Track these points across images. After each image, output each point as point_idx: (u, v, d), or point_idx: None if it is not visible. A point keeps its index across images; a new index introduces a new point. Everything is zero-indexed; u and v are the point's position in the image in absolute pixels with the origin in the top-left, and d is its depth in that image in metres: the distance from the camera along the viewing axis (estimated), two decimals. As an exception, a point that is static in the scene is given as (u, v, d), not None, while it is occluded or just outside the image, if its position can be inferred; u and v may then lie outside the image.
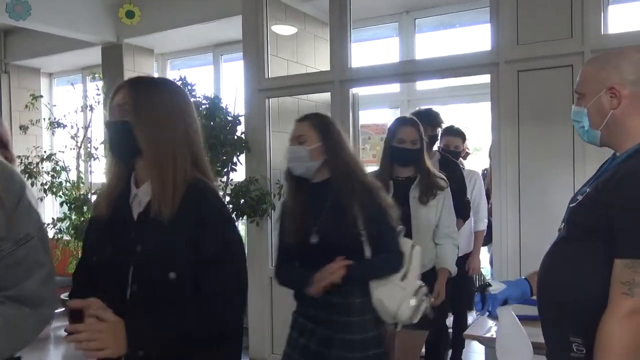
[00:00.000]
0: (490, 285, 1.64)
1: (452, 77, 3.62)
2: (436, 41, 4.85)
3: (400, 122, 2.73)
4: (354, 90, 3.73)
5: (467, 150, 4.30)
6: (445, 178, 2.70)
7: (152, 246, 1.35)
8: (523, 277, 1.69)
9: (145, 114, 1.37)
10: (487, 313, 1.65)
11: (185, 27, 4.96)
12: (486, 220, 3.70)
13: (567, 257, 1.41)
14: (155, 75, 5.77)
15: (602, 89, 1.38)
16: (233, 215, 3.99)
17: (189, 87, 4.14)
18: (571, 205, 1.44)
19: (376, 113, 5.23)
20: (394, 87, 4.86)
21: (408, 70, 3.56)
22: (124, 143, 1.39)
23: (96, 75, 4.78)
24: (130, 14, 4.24)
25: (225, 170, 3.96)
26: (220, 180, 4.00)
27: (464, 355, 3.76)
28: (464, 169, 3.75)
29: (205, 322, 1.31)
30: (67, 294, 4.84)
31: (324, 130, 2.08)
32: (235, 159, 3.92)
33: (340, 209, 1.99)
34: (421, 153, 2.63)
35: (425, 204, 2.56)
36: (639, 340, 1.17)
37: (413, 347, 2.56)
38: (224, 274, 1.34)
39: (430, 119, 3.27)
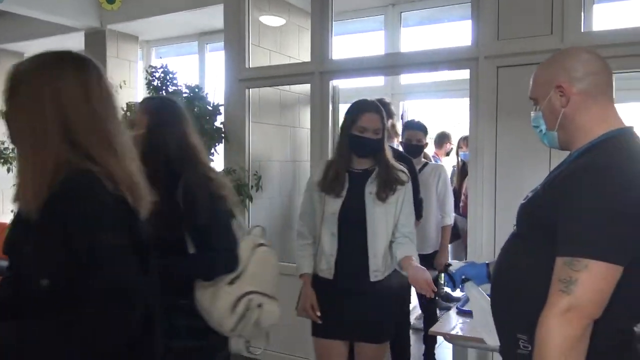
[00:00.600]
0: (450, 265, 1.77)
1: (432, 71, 3.59)
2: (422, 36, 4.82)
3: (362, 107, 2.34)
4: (335, 83, 3.69)
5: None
6: (407, 170, 2.41)
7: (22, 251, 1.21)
8: (485, 262, 1.75)
9: (6, 99, 1.23)
10: (456, 289, 1.76)
11: (169, 13, 4.88)
12: (453, 215, 3.69)
13: (516, 254, 1.43)
14: (139, 62, 5.71)
15: (551, 89, 1.39)
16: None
17: (170, 76, 4.10)
18: (522, 203, 1.45)
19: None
20: (379, 81, 4.83)
21: (388, 64, 3.52)
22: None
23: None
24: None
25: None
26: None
27: (437, 350, 3.76)
28: (428, 163, 3.72)
29: (63, 336, 1.11)
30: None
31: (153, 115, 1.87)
32: (212, 150, 3.87)
33: (162, 198, 1.60)
34: (382, 144, 2.32)
35: (383, 200, 2.27)
36: (575, 338, 1.17)
37: None
38: (95, 281, 1.13)
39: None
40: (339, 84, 4.63)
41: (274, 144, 4.37)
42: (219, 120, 4.04)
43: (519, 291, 1.36)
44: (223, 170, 3.98)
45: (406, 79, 4.77)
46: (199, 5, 4.67)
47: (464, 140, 4.59)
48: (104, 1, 4.20)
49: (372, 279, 2.26)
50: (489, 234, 3.09)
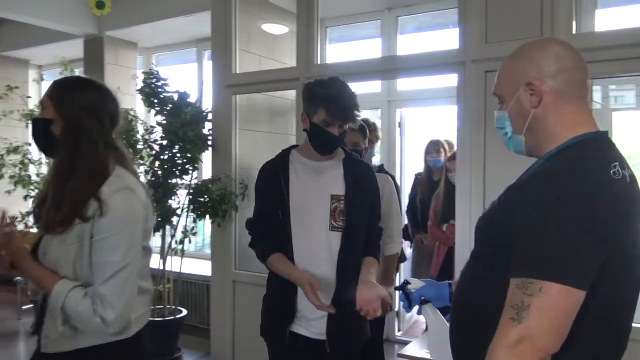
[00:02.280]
0: (409, 283, 1.60)
1: (420, 75, 3.47)
2: (420, 42, 4.68)
3: None
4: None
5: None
6: None
7: None
8: (448, 282, 1.56)
9: None
10: (411, 310, 1.61)
11: (166, 19, 4.87)
12: (402, 241, 3.02)
13: (474, 279, 1.25)
14: (139, 71, 5.69)
15: (520, 86, 1.19)
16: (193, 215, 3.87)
17: (162, 82, 4.05)
18: (479, 218, 1.27)
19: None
20: (375, 87, 4.70)
21: (374, 68, 3.39)
22: None
23: (69, 68, 4.68)
24: (100, 5, 4.15)
25: (189, 167, 3.84)
26: (183, 178, 3.88)
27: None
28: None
29: None
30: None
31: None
32: (198, 157, 3.80)
33: None
34: None
35: None
36: None
37: None
38: None
39: None
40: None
41: (264, 152, 4.25)
42: (208, 127, 3.98)
43: (477, 321, 1.18)
44: (208, 178, 3.90)
45: (403, 85, 4.63)
46: (192, 12, 4.64)
47: (434, 145, 4.16)
48: (93, 6, 4.17)
49: None
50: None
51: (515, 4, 2.86)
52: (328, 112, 1.91)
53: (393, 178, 3.17)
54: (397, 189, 3.10)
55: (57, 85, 1.55)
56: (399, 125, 4.63)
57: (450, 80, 3.94)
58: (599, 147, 1.14)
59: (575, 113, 1.18)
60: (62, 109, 1.49)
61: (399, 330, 4.49)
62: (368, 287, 1.85)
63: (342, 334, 1.96)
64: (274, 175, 2.01)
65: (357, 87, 4.56)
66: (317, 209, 1.98)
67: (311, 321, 1.96)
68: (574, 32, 2.80)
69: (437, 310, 1.54)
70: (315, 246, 1.97)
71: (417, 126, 4.85)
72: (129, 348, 1.57)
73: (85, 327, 1.46)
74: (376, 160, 3.89)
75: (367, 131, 2.89)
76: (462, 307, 1.27)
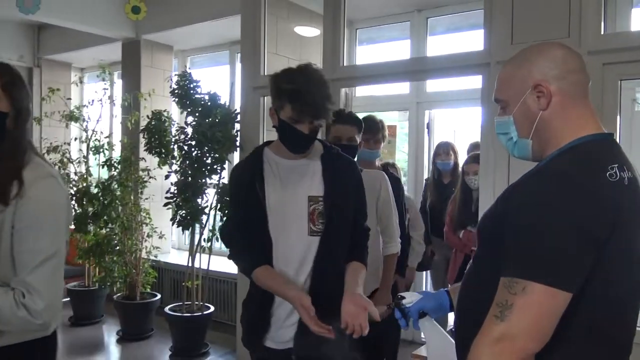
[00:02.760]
0: (404, 297, 1.52)
1: (445, 77, 3.45)
2: (450, 43, 4.64)
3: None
4: (347, 90, 3.61)
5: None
6: None
7: None
8: (444, 289, 1.53)
9: None
10: (407, 327, 1.53)
11: (200, 23, 5.00)
12: (399, 241, 2.75)
13: (475, 279, 1.25)
14: (174, 73, 5.83)
15: (526, 89, 1.18)
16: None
17: (194, 84, 4.15)
18: (480, 218, 1.28)
19: (385, 115, 5.07)
20: (404, 89, 4.69)
21: (399, 70, 3.39)
22: None
23: (107, 70, 4.86)
24: (136, 10, 4.30)
25: (217, 167, 3.93)
26: (211, 178, 3.98)
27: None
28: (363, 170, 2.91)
29: None
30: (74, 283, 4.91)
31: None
32: (226, 157, 3.89)
33: None
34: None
35: None
36: None
37: None
38: None
39: None
40: (360, 91, 4.56)
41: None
42: (237, 128, 4.06)
43: (480, 322, 1.14)
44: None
45: (432, 86, 4.60)
46: (225, 15, 4.75)
47: (443, 147, 4.00)
48: (129, 12, 4.32)
49: None
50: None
51: (542, 4, 2.82)
52: (294, 108, 1.69)
53: (398, 180, 3.06)
54: (401, 189, 3.01)
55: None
56: (427, 127, 4.61)
57: (479, 81, 3.90)
58: (598, 149, 1.13)
59: (580, 115, 1.17)
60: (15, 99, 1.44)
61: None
62: (354, 300, 1.66)
63: (311, 349, 1.69)
64: (248, 178, 1.80)
65: (385, 89, 4.65)
66: (295, 212, 1.78)
67: (280, 330, 1.81)
68: (602, 32, 2.73)
69: (436, 323, 1.51)
70: (295, 253, 1.78)
71: (446, 128, 4.80)
72: (45, 347, 1.49)
73: (7, 327, 1.36)
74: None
75: (363, 125, 2.63)
76: (465, 308, 1.27)
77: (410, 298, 1.51)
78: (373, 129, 2.84)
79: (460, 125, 4.77)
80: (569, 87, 1.17)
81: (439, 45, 4.57)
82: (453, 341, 1.37)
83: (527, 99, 1.19)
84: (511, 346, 0.99)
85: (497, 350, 1.00)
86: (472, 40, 4.53)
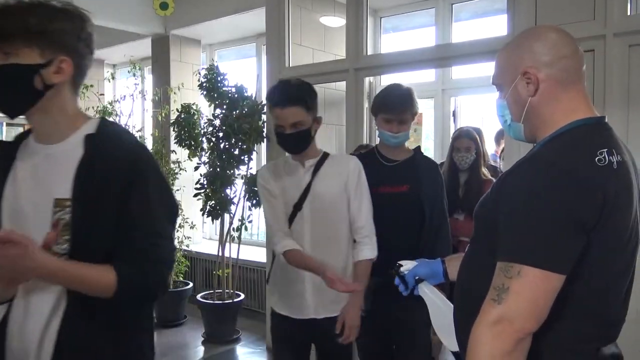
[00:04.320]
0: (401, 265, 1.60)
1: (467, 64, 3.44)
2: (476, 29, 4.60)
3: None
4: (371, 79, 3.63)
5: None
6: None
7: None
8: (440, 258, 1.58)
9: None
10: (409, 291, 1.58)
11: (226, 16, 5.08)
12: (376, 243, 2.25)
13: (472, 263, 1.29)
14: (202, 67, 5.94)
15: (516, 76, 1.21)
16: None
17: (221, 77, 4.24)
18: (476, 205, 1.31)
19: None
20: (430, 76, 4.68)
21: (423, 57, 3.40)
22: None
23: (138, 66, 4.99)
24: (164, 6, 4.40)
25: (244, 158, 4.02)
26: (239, 168, 4.07)
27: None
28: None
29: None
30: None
31: None
32: (252, 148, 3.97)
33: None
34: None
35: None
36: (505, 353, 1.04)
37: None
38: None
39: None
40: (385, 80, 4.56)
41: (318, 143, 4.37)
42: (263, 119, 4.13)
43: (475, 303, 1.19)
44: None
45: (458, 73, 4.58)
46: (251, 8, 4.80)
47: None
48: (158, 7, 4.43)
49: None
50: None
51: (567, -13, 2.79)
52: None
53: (435, 166, 2.88)
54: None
55: None
56: (453, 114, 4.59)
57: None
58: (588, 134, 1.15)
59: (571, 100, 1.20)
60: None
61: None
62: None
63: None
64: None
65: (411, 76, 4.64)
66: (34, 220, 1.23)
67: None
68: (628, 13, 2.68)
69: (434, 288, 1.54)
70: None
71: (473, 114, 4.77)
72: None
73: None
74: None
75: (312, 101, 2.12)
76: (462, 289, 1.32)
77: (407, 265, 1.58)
78: (397, 106, 2.28)
79: (487, 112, 4.73)
80: (559, 73, 1.18)
81: (464, 31, 4.54)
82: (451, 305, 1.42)
83: (517, 84, 1.22)
84: (510, 327, 1.04)
85: (496, 331, 1.04)
86: (498, 26, 4.49)
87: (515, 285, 1.04)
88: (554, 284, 1.04)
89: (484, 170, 3.24)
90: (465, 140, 3.17)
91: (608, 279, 1.13)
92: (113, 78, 5.66)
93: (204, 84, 4.18)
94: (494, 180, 2.79)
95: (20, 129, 1.58)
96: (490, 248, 1.14)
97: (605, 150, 1.09)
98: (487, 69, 4.35)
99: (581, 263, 1.07)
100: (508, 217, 1.09)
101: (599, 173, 1.07)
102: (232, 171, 4.01)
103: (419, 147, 2.55)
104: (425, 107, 4.83)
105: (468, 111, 4.71)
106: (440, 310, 1.47)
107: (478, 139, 3.22)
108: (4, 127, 6.49)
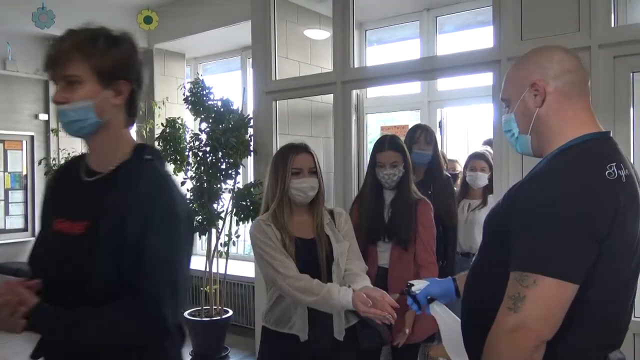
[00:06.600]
0: (412, 285, 1.63)
1: (455, 75, 3.44)
2: (460, 41, 4.64)
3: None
4: (358, 92, 3.63)
5: None
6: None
7: None
8: (451, 277, 1.63)
9: None
10: (422, 311, 1.62)
11: (211, 30, 5.05)
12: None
13: (482, 273, 1.32)
14: (187, 80, 5.90)
15: (524, 88, 1.27)
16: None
17: (207, 91, 4.21)
18: (487, 214, 1.35)
19: (398, 115, 5.09)
20: (415, 88, 4.70)
21: (409, 70, 3.40)
22: None
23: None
24: (148, 20, 4.37)
25: (231, 172, 3.98)
26: (227, 183, 4.03)
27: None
28: None
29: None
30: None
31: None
32: (239, 162, 3.93)
33: None
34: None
35: None
36: (521, 357, 1.07)
37: None
38: None
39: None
40: (371, 92, 4.57)
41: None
42: (250, 133, 4.10)
43: (486, 313, 1.22)
44: (251, 182, 4.02)
45: (443, 85, 4.60)
46: (235, 21, 4.79)
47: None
48: (142, 22, 4.39)
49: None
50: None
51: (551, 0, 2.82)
52: None
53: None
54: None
55: None
56: (440, 125, 4.61)
57: (490, 78, 3.89)
58: (597, 148, 1.20)
59: (577, 112, 1.25)
60: None
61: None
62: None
63: None
64: None
65: (398, 89, 4.65)
66: None
67: None
68: (612, 25, 2.72)
69: (445, 307, 1.59)
70: None
71: (459, 125, 4.80)
72: None
73: None
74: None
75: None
76: (471, 298, 1.34)
77: (418, 285, 1.62)
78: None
79: (472, 123, 4.76)
80: (566, 86, 1.25)
81: (449, 43, 4.57)
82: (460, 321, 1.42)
83: (525, 96, 1.28)
84: (527, 334, 1.07)
85: (514, 339, 1.07)
86: (482, 38, 4.53)
87: (532, 293, 1.07)
88: (569, 293, 1.08)
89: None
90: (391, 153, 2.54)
91: (616, 288, 1.17)
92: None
93: (190, 98, 4.14)
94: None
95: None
96: (500, 258, 1.17)
97: (614, 164, 1.14)
98: (472, 80, 4.39)
99: (592, 272, 1.10)
100: (522, 227, 1.13)
101: (610, 186, 1.12)
102: (219, 185, 3.97)
103: None
104: (411, 119, 4.85)
105: (454, 122, 4.73)
106: (451, 329, 1.49)
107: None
108: None
